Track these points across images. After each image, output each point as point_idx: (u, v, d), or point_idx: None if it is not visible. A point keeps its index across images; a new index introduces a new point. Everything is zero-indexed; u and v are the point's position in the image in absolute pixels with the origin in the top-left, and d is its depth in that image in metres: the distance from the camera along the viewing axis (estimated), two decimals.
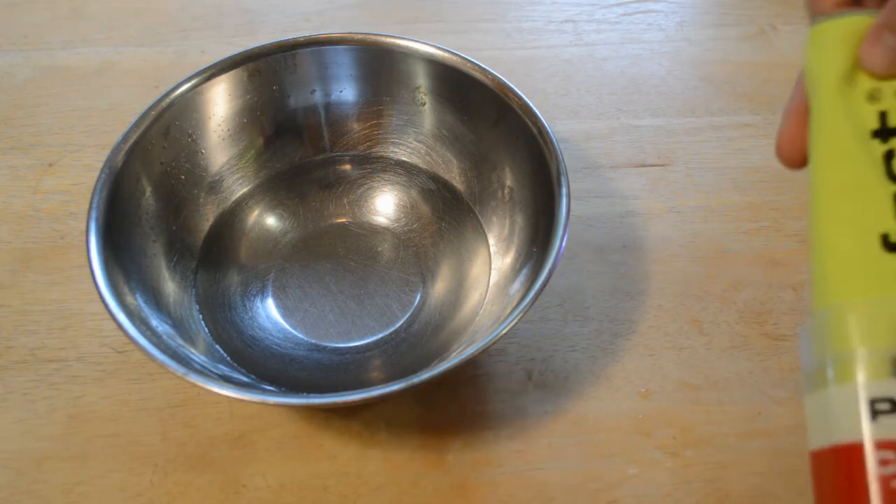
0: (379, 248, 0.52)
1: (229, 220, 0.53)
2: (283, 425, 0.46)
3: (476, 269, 0.50)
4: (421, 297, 0.50)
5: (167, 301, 0.47)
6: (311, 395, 0.40)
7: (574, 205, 0.54)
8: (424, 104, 0.53)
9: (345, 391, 0.39)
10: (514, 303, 0.42)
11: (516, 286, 0.46)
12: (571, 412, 0.46)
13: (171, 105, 0.49)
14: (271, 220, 0.54)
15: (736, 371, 0.48)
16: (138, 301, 0.44)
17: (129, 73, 0.65)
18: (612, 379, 0.48)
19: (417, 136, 0.54)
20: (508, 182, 0.50)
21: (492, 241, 0.51)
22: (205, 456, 0.45)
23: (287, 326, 0.49)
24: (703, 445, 0.45)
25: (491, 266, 0.50)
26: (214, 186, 0.52)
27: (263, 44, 0.51)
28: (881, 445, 0.25)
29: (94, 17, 0.69)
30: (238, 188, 0.53)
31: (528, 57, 0.66)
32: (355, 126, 0.55)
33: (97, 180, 0.45)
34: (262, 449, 0.45)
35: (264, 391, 0.44)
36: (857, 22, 0.30)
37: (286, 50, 0.51)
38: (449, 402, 0.47)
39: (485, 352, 0.39)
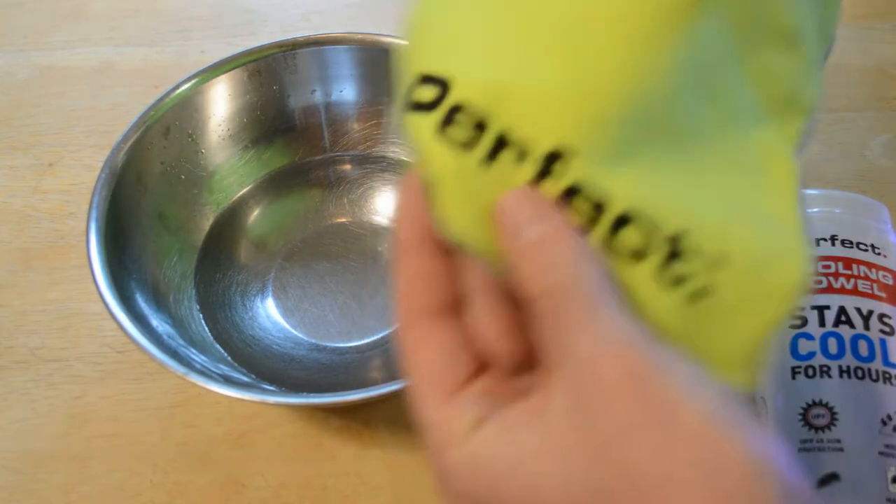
0: (379, 248, 0.52)
1: (229, 220, 0.53)
2: (283, 425, 0.46)
3: None
4: None
5: (167, 301, 0.47)
6: (311, 395, 0.40)
7: None
8: None
9: (345, 391, 0.39)
10: None
11: None
12: None
13: (171, 105, 0.49)
14: (271, 220, 0.54)
15: None
16: (138, 301, 0.44)
17: (129, 73, 0.65)
18: None
19: None
20: None
21: None
22: (205, 456, 0.45)
23: (287, 326, 0.49)
24: None
25: None
26: (214, 186, 0.52)
27: (263, 44, 0.51)
28: None
29: (94, 17, 0.69)
30: (238, 188, 0.53)
31: None
32: (355, 126, 0.55)
33: (97, 180, 0.45)
34: (262, 449, 0.45)
35: (264, 391, 0.44)
36: None
37: (286, 50, 0.51)
38: None
39: None
